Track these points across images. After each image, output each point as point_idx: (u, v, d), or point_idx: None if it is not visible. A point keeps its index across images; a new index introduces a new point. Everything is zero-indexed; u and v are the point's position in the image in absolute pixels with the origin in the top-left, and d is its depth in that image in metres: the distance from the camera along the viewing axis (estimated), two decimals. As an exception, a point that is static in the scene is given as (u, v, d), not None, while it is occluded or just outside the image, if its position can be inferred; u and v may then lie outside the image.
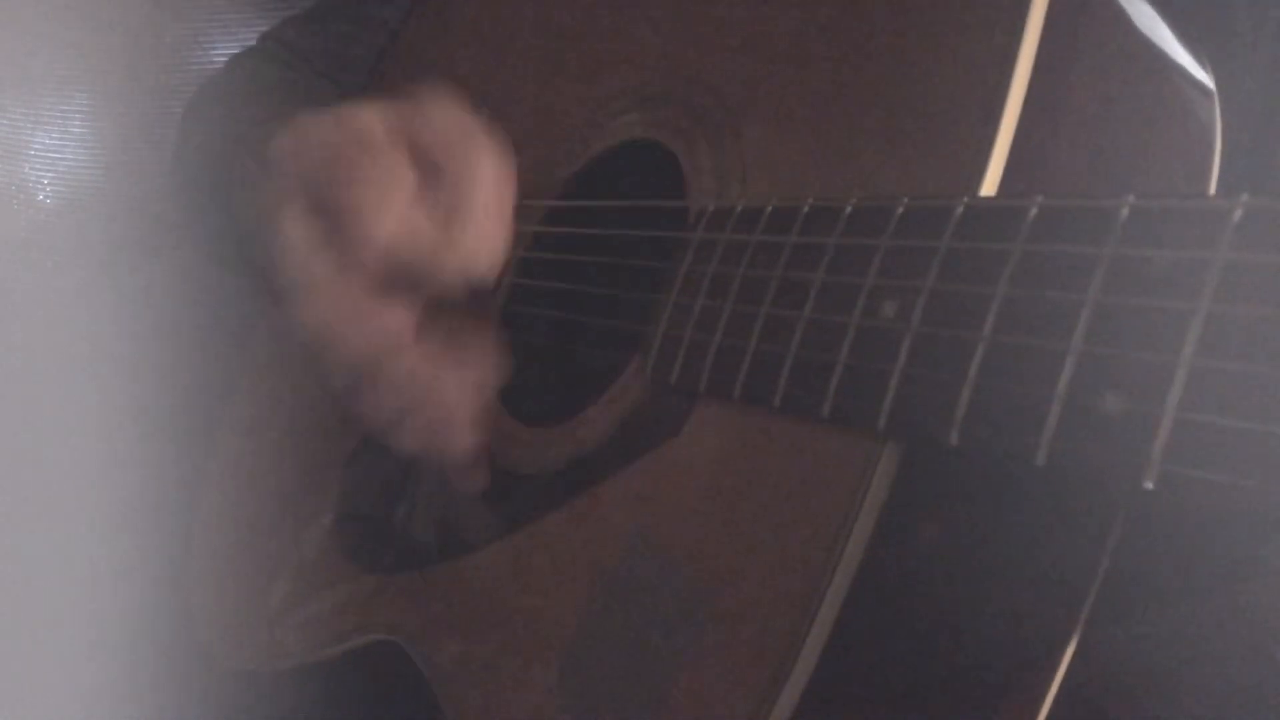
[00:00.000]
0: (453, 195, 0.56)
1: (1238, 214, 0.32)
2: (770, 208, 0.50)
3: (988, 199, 0.41)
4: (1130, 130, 0.45)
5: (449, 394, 0.59)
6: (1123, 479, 0.33)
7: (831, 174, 0.50)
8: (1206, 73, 0.47)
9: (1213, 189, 0.45)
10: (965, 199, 0.40)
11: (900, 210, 0.43)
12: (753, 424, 0.48)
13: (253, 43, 0.98)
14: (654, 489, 0.51)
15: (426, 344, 0.58)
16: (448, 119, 0.58)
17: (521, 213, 0.63)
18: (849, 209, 0.45)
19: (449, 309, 0.59)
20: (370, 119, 0.57)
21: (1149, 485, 0.32)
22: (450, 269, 0.56)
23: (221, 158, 0.77)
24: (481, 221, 0.56)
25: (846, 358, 0.42)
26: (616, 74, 0.67)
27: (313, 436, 0.80)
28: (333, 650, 0.69)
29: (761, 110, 0.55)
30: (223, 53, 1.26)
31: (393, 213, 0.55)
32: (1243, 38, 0.62)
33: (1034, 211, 0.37)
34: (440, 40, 0.85)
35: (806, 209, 0.48)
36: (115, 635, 1.17)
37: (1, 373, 1.36)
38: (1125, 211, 0.35)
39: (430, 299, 0.58)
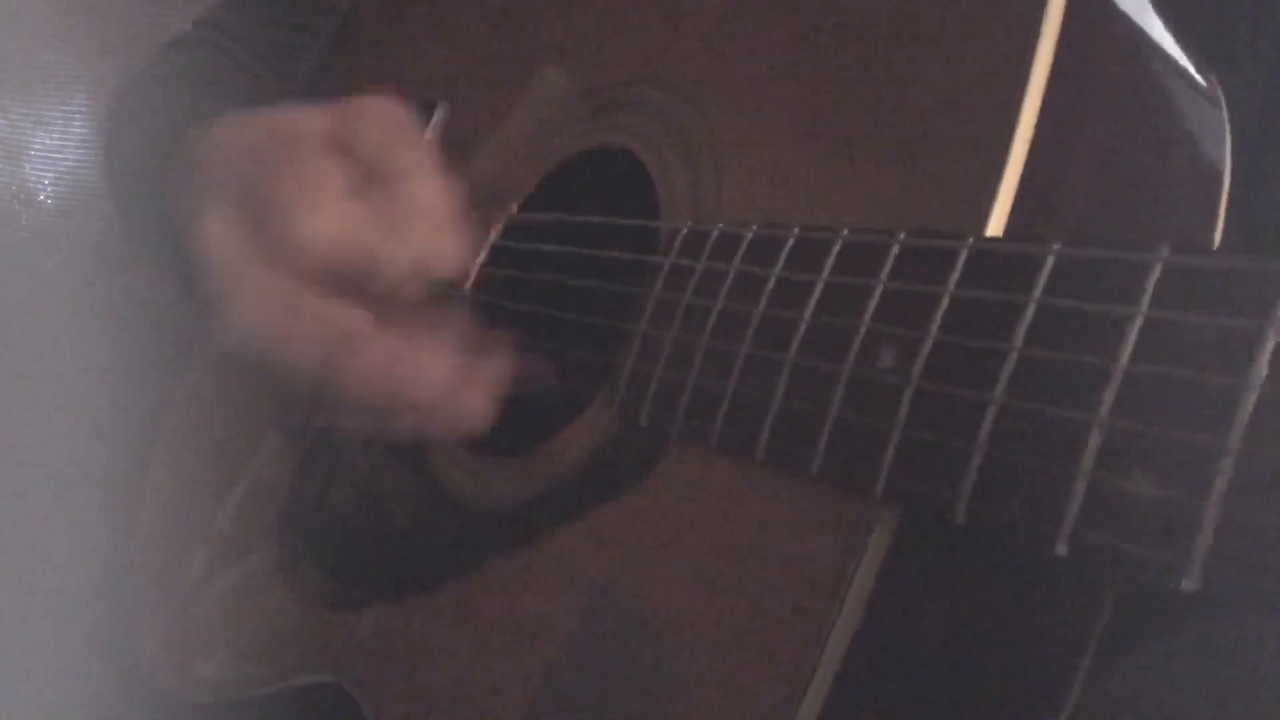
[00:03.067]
0: (390, 193, 0.49)
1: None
2: (751, 234, 0.44)
3: (997, 242, 0.35)
4: (1141, 161, 0.39)
5: (442, 363, 0.50)
6: (1157, 576, 0.27)
7: (818, 196, 0.44)
8: (1218, 102, 0.41)
9: (1221, 219, 0.39)
10: (971, 240, 0.34)
11: (896, 248, 0.36)
12: (733, 473, 0.42)
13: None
14: (621, 537, 0.45)
15: (396, 329, 0.50)
16: (384, 119, 0.52)
17: (476, 222, 0.57)
18: (839, 242, 0.39)
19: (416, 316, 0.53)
20: (302, 119, 0.51)
21: (1189, 586, 0.27)
22: (395, 268, 0.49)
23: (154, 160, 0.70)
24: (424, 219, 0.50)
25: (838, 410, 0.36)
26: (582, 73, 0.60)
27: (242, 450, 0.74)
28: (271, 688, 0.63)
29: (741, 121, 0.49)
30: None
31: (325, 210, 0.48)
32: (1242, 42, 0.58)
33: (1050, 261, 0.31)
34: (392, 31, 0.77)
35: (792, 240, 0.41)
36: (61, 643, 1.13)
37: (1, 373, 1.33)
38: (1159, 269, 0.29)
39: (385, 304, 0.52)
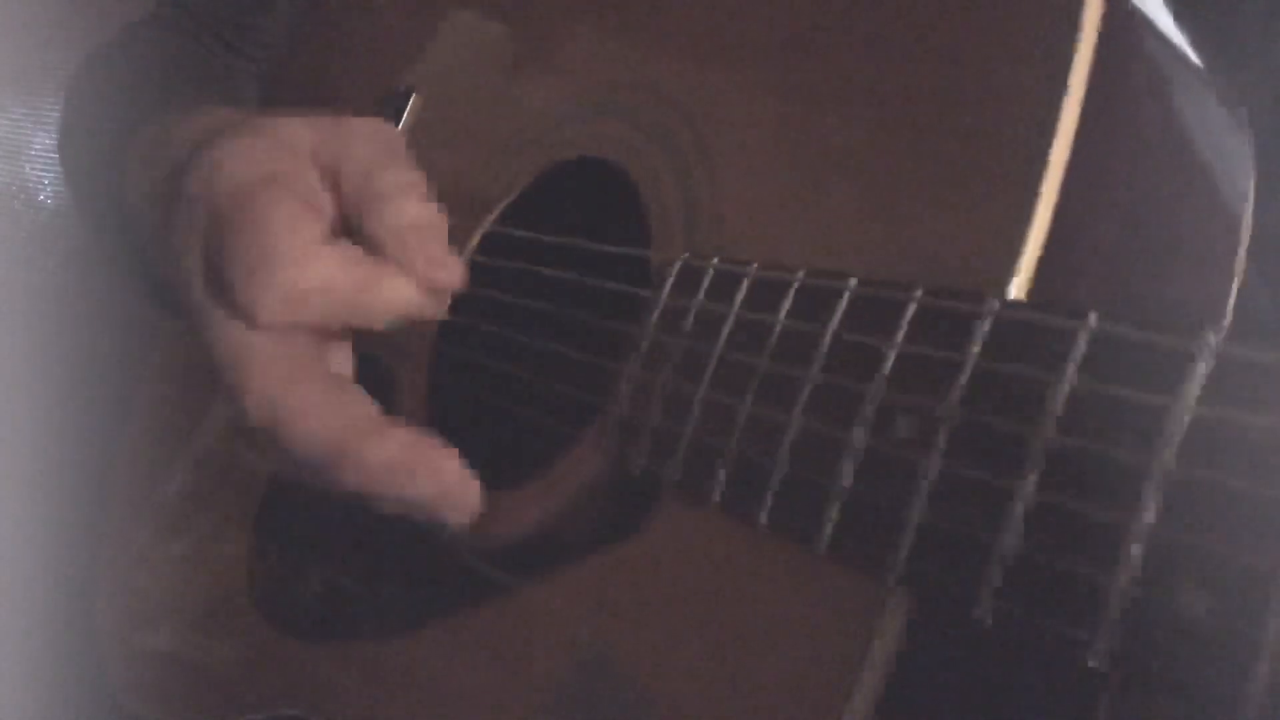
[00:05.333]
0: (379, 215, 0.46)
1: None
2: (751, 276, 0.40)
3: (1023, 309, 0.31)
4: (1168, 199, 0.36)
5: (455, 465, 0.46)
6: (1207, 697, 0.24)
7: (825, 227, 0.40)
8: (1246, 132, 0.38)
9: (1242, 256, 0.36)
10: (997, 305, 0.31)
11: (913, 309, 0.33)
12: (734, 537, 0.38)
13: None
14: (613, 596, 0.42)
15: (405, 430, 0.47)
16: (372, 138, 0.48)
17: (453, 235, 0.53)
18: (849, 292, 0.36)
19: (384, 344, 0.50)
20: (287, 138, 0.48)
21: (1248, 716, 0.23)
22: (377, 312, 0.46)
23: (116, 152, 0.65)
24: (417, 238, 0.46)
25: (848, 485, 0.33)
26: (567, 75, 0.56)
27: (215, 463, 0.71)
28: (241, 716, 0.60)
29: (740, 138, 0.45)
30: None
31: (295, 258, 0.44)
32: (1254, 44, 0.55)
33: (1085, 339, 0.27)
34: (363, 20, 0.73)
35: (797, 284, 0.38)
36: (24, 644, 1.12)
37: (2, 372, 1.31)
38: (1205, 362, 0.25)
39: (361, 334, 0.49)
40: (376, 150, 0.48)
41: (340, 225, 0.47)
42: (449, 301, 0.47)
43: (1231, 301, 0.36)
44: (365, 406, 0.46)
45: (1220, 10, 0.53)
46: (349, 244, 0.46)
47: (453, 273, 0.46)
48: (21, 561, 1.23)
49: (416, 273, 0.45)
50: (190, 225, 0.48)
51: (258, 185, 0.46)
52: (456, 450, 0.45)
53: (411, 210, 0.46)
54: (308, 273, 0.44)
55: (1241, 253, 0.37)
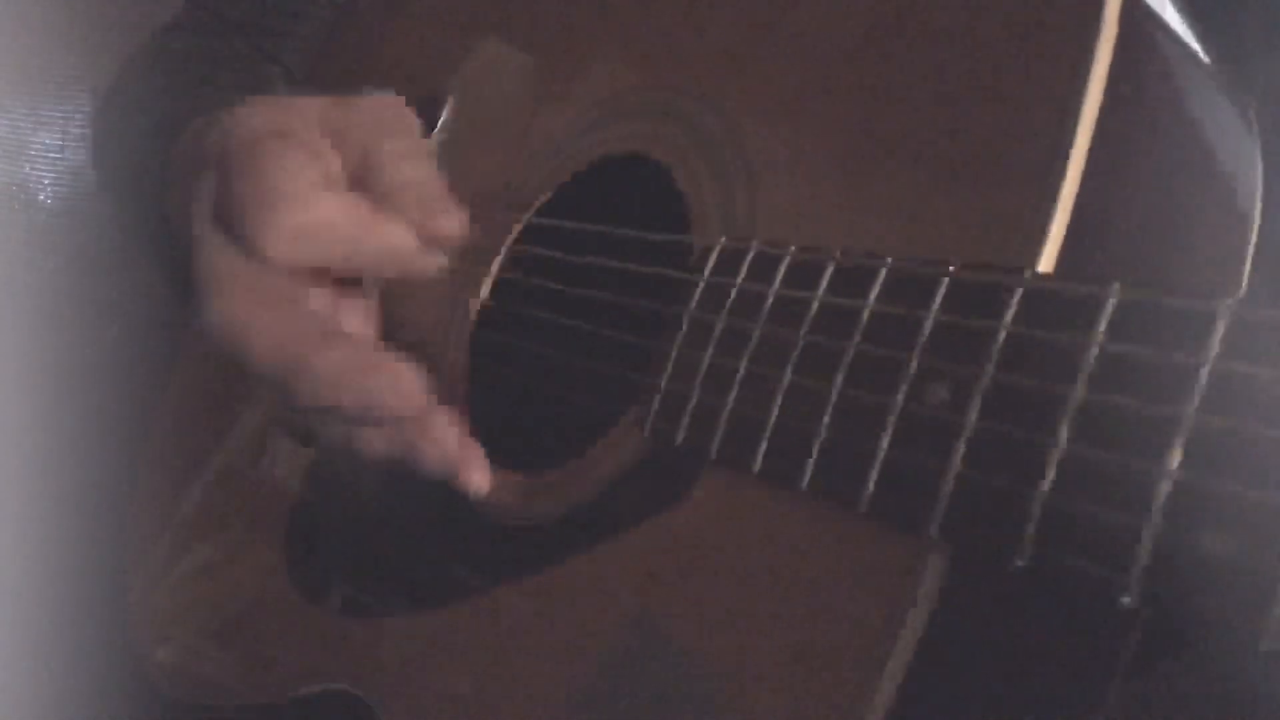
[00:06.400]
0: (379, 175, 0.48)
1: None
2: (789, 256, 0.42)
3: (1053, 279, 0.33)
4: (1182, 193, 0.38)
5: (411, 378, 0.47)
6: (1228, 634, 0.26)
7: (858, 216, 0.42)
8: (1254, 132, 0.40)
9: (1251, 248, 0.39)
10: (1027, 276, 0.33)
11: (946, 282, 0.35)
12: (774, 500, 0.40)
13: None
14: (659, 565, 0.44)
15: (360, 333, 0.50)
16: (378, 107, 0.51)
17: (492, 228, 0.55)
18: (884, 271, 0.38)
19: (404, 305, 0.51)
20: (296, 108, 0.50)
21: (1266, 647, 0.26)
22: (386, 246, 0.48)
23: (152, 157, 0.68)
24: (413, 191, 0.48)
25: (888, 447, 0.35)
26: (605, 73, 0.58)
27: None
28: (286, 693, 0.61)
29: (775, 133, 0.47)
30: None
31: (300, 197, 0.47)
32: (1254, 43, 0.57)
33: (1111, 304, 0.30)
34: (395, 21, 0.74)
35: (833, 264, 0.40)
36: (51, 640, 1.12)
37: (1, 372, 1.31)
38: (1224, 320, 0.28)
39: (370, 288, 0.51)
40: (382, 118, 0.51)
41: (344, 184, 0.49)
42: (446, 256, 0.49)
43: (1244, 281, 0.38)
44: (317, 323, 0.48)
45: (1222, 16, 0.55)
46: (352, 193, 0.48)
47: (450, 221, 0.48)
48: (22, 560, 1.23)
49: (415, 221, 0.47)
50: (201, 172, 0.50)
51: (266, 136, 0.48)
52: (408, 364, 0.47)
53: (410, 170, 0.49)
54: (312, 210, 0.47)
55: (1252, 242, 0.39)
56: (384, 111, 0.51)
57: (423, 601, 0.55)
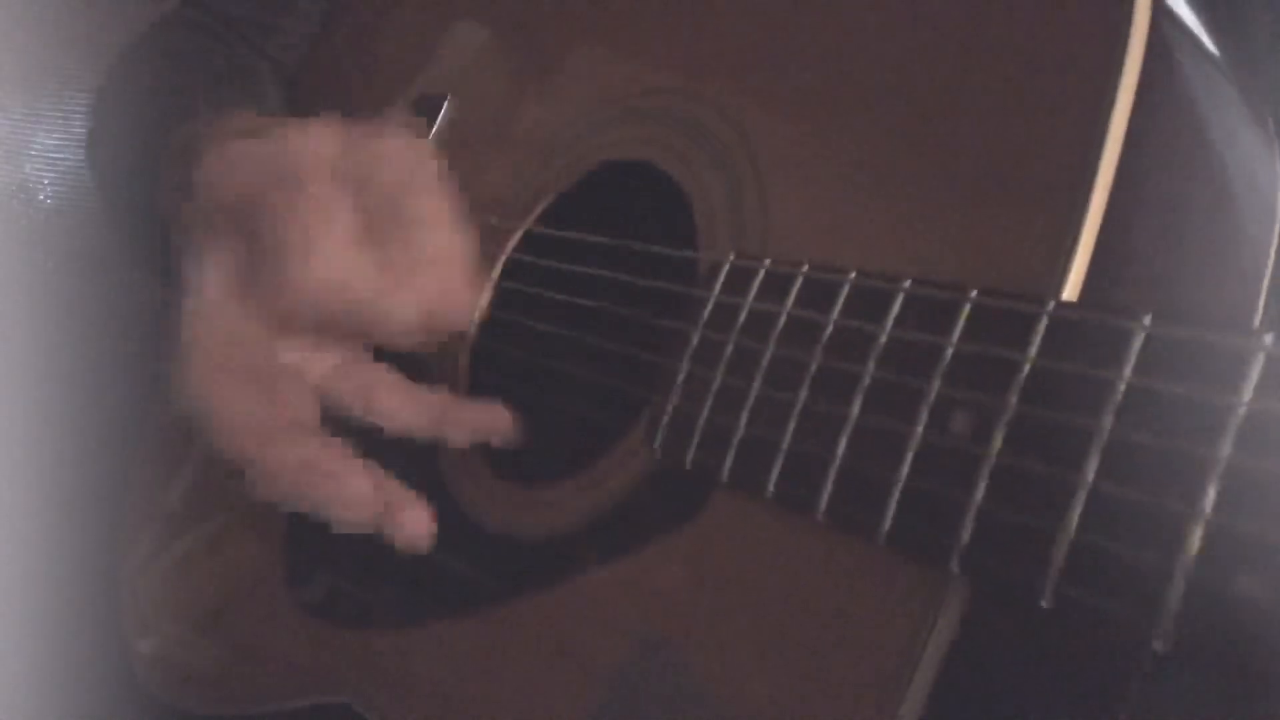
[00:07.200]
0: (403, 240, 0.47)
1: None
2: (803, 276, 0.41)
3: (1078, 308, 0.33)
4: (1202, 216, 0.38)
5: (346, 496, 0.47)
6: (1262, 681, 0.25)
7: (874, 234, 0.41)
8: (1274, 149, 0.39)
9: (1267, 278, 0.38)
10: (1051, 305, 0.32)
11: (968, 308, 0.34)
12: (784, 528, 0.40)
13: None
14: (666, 585, 0.43)
15: (317, 439, 0.48)
16: (402, 158, 0.49)
17: (494, 235, 0.53)
18: (902, 294, 0.37)
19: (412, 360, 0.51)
20: (311, 148, 0.48)
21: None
22: (397, 320, 0.47)
23: (146, 157, 0.66)
24: (436, 271, 0.47)
25: (907, 477, 0.34)
26: (608, 76, 0.56)
27: None
28: (281, 705, 0.60)
29: (788, 144, 0.46)
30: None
31: (324, 255, 0.46)
32: (1262, 41, 0.56)
33: (1140, 338, 0.29)
34: (389, 16, 0.72)
35: (848, 286, 0.39)
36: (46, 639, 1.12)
37: (1, 372, 1.30)
38: (1261, 358, 0.27)
39: (375, 347, 0.50)
40: (407, 172, 0.49)
41: (356, 237, 0.48)
42: (441, 343, 0.48)
43: (1261, 308, 0.37)
44: (286, 414, 0.47)
45: (1230, 20, 0.54)
46: (367, 254, 0.47)
47: (458, 318, 0.48)
48: (21, 558, 1.23)
49: (430, 303, 0.47)
50: (196, 212, 0.49)
51: (275, 185, 0.47)
52: (368, 464, 0.47)
53: (437, 240, 0.48)
54: (334, 268, 0.46)
55: (1267, 272, 0.38)
56: (405, 160, 0.49)
57: (421, 611, 0.54)
